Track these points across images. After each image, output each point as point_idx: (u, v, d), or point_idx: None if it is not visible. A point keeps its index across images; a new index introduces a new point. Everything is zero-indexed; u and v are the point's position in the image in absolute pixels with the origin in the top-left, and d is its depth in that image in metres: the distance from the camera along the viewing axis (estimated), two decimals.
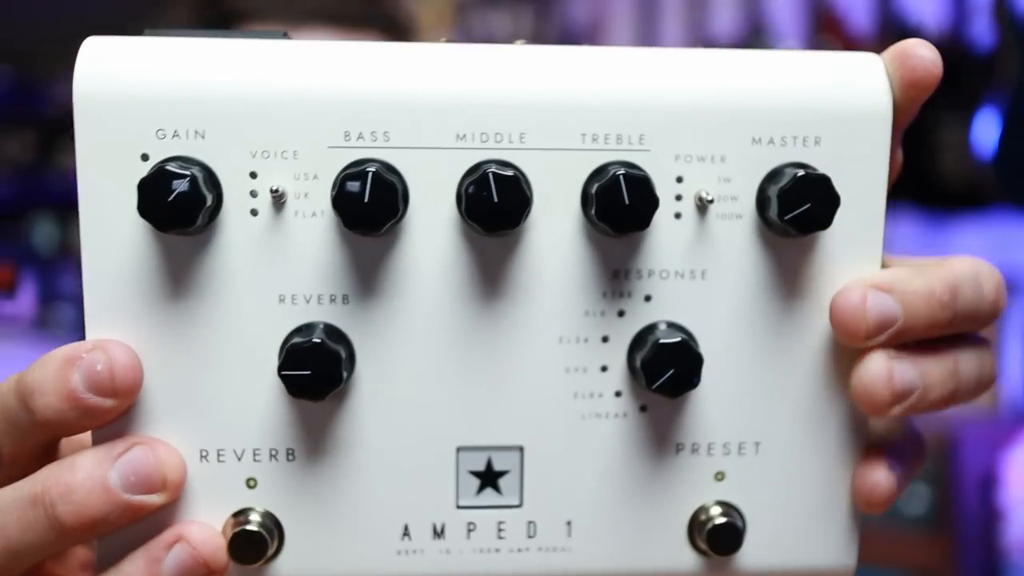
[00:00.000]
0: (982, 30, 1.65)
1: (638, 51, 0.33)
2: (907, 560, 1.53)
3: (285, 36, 0.32)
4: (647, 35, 2.20)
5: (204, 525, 0.31)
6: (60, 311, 2.27)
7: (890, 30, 1.78)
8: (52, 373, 0.29)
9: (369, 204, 0.29)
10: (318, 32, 0.69)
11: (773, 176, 0.31)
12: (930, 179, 1.69)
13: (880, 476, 0.33)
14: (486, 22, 2.58)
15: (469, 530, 0.33)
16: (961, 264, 0.33)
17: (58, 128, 3.31)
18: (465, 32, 2.50)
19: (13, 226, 2.84)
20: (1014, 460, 1.53)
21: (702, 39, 2.06)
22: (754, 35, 1.96)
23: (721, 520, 0.33)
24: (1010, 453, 1.54)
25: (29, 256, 2.57)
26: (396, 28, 0.76)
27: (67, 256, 2.64)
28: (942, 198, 1.69)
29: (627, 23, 2.32)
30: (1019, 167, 1.58)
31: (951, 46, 1.69)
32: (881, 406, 0.32)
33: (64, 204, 3.28)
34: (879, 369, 0.31)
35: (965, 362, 0.33)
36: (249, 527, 0.31)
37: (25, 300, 2.41)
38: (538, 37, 2.45)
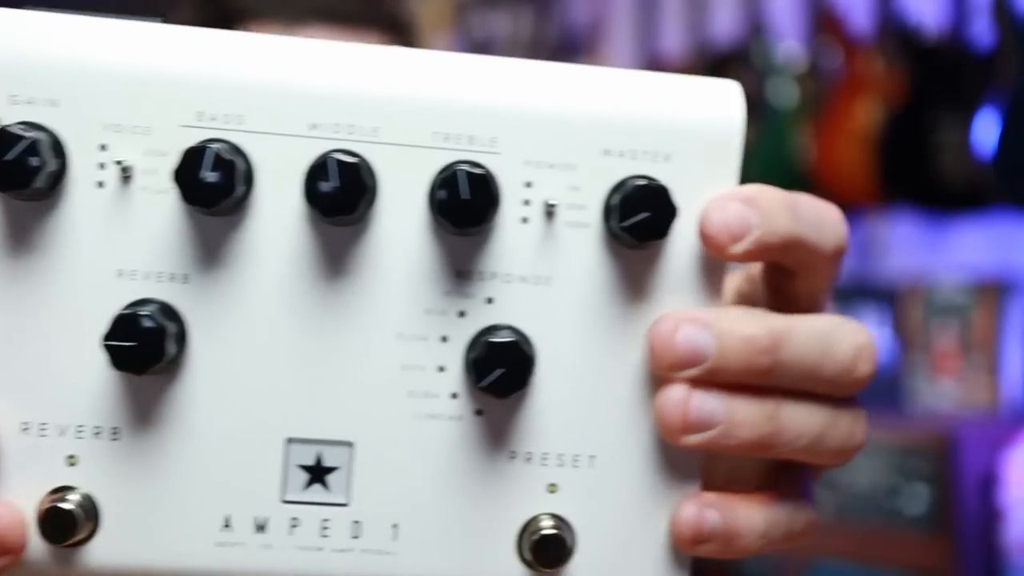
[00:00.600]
0: (982, 30, 1.65)
1: (498, 59, 0.33)
2: (907, 560, 1.53)
3: (163, 21, 0.33)
4: (647, 35, 2.20)
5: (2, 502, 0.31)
6: None
7: (890, 30, 1.78)
8: None
9: (206, 179, 0.30)
10: (318, 31, 0.69)
11: (618, 187, 0.32)
12: (930, 179, 1.69)
13: (686, 513, 0.32)
14: (486, 22, 2.58)
15: (292, 526, 0.32)
16: (813, 319, 0.33)
17: None
18: (465, 32, 2.49)
19: None
20: (1014, 460, 1.53)
21: (702, 39, 2.07)
22: (754, 35, 1.96)
23: (549, 532, 0.32)
24: (1010, 453, 1.54)
25: None
26: (398, 27, 0.76)
27: None
28: (942, 198, 1.69)
29: (627, 23, 2.32)
30: (1019, 167, 1.58)
31: (951, 46, 1.69)
32: (673, 432, 0.31)
33: None
34: (676, 394, 0.31)
35: (796, 414, 0.32)
36: (62, 505, 0.31)
37: None
38: (538, 37, 2.45)
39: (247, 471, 0.32)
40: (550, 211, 0.32)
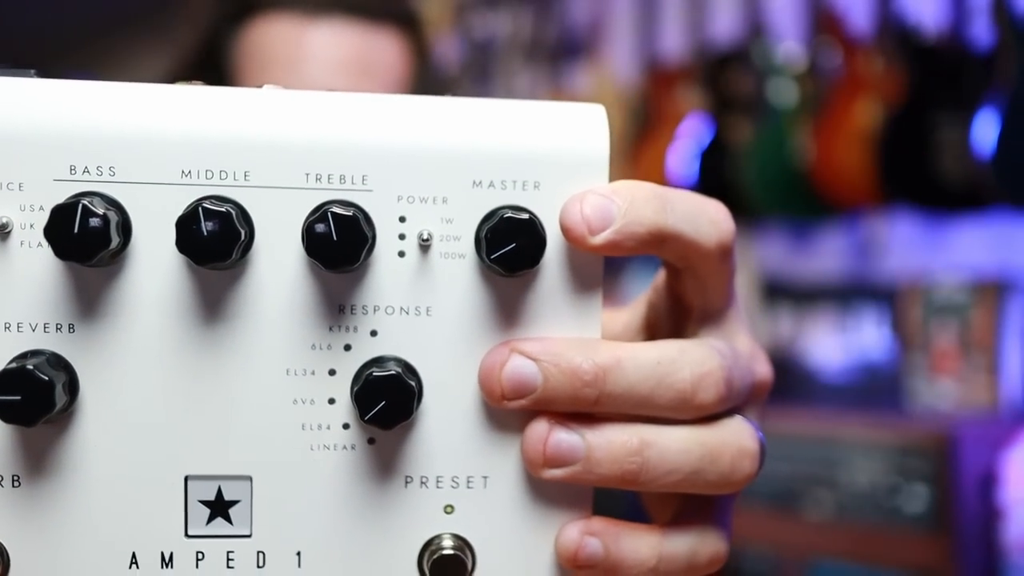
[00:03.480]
0: (981, 30, 1.65)
1: (366, 96, 0.34)
2: (907, 559, 1.53)
3: (37, 75, 0.33)
4: (647, 35, 2.21)
5: None
6: None
7: (889, 30, 1.78)
8: None
9: (78, 234, 0.30)
10: (336, 22, 0.69)
11: (487, 218, 0.33)
12: (929, 179, 1.69)
13: (566, 538, 0.33)
14: (486, 23, 2.58)
15: (198, 559, 0.33)
16: (649, 348, 0.33)
17: None
18: (465, 32, 2.50)
19: None
20: (1013, 459, 1.53)
21: (702, 39, 2.07)
22: (754, 35, 1.96)
23: (447, 552, 0.33)
24: (1009, 452, 1.54)
25: None
26: (411, 22, 0.76)
27: None
28: (941, 198, 1.69)
29: (627, 23, 2.32)
30: (1017, 167, 1.58)
31: (951, 46, 1.69)
32: (535, 466, 0.33)
33: None
34: (537, 430, 0.33)
35: (664, 451, 0.33)
36: None
37: None
38: (537, 38, 2.46)
39: (149, 509, 0.33)
40: (425, 244, 0.33)
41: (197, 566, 0.33)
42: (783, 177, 1.85)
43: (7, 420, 0.30)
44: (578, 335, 0.34)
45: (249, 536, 0.33)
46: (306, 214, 0.32)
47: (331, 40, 0.69)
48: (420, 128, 0.33)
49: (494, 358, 0.33)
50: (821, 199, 1.80)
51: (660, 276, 0.39)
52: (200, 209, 0.30)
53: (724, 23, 2.07)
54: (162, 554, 0.33)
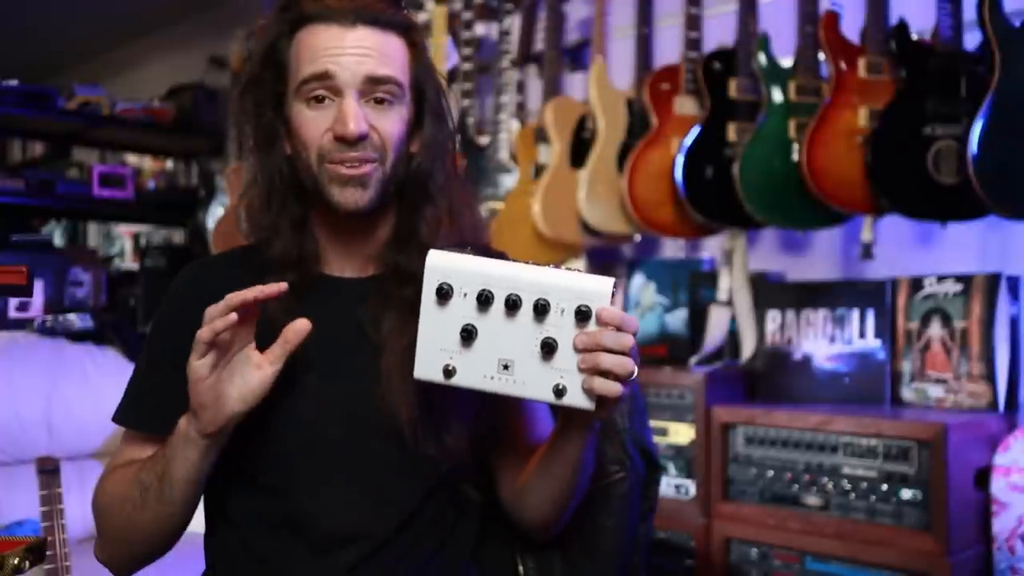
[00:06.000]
0: (978, 34, 1.67)
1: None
2: (900, 555, 1.55)
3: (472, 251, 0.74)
4: (645, 39, 2.22)
5: None
6: (67, 314, 2.31)
7: (886, 33, 1.80)
8: None
9: None
10: (362, 29, 1.01)
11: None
12: (924, 180, 1.71)
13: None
14: (486, 29, 2.60)
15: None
16: None
17: (67, 138, 3.36)
18: (462, 38, 2.52)
19: (24, 231, 2.89)
20: (1004, 456, 1.55)
21: (699, 42, 2.09)
22: (752, 37, 1.98)
23: None
24: (1000, 449, 1.56)
25: (40, 260, 2.62)
26: (409, 30, 1.06)
27: (75, 261, 2.68)
28: (936, 198, 1.71)
29: (625, 27, 2.34)
30: (999, 172, 1.60)
31: (947, 49, 1.71)
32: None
33: (73, 211, 3.33)
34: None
35: None
36: None
37: (36, 302, 2.46)
38: (535, 42, 2.47)
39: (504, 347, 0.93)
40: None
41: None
42: (779, 178, 1.87)
43: None
44: None
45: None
46: None
47: (361, 38, 1.01)
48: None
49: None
50: (816, 200, 1.82)
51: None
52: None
53: (722, 25, 2.09)
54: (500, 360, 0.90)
